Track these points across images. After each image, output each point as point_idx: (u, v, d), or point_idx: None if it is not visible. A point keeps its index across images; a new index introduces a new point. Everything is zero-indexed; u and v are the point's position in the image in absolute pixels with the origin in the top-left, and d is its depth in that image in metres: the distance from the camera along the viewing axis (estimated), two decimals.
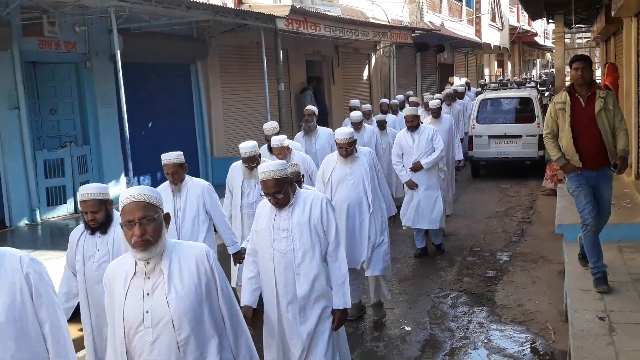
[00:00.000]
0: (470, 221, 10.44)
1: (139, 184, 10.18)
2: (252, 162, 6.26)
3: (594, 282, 5.65)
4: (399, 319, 6.54)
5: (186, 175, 5.65)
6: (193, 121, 12.58)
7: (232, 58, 13.61)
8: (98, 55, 10.05)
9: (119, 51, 8.56)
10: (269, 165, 4.07)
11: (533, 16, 19.97)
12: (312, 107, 9.68)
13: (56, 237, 8.50)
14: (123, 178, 10.27)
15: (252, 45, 13.38)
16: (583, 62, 5.58)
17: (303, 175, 5.22)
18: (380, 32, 17.32)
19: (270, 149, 7.45)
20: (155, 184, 11.07)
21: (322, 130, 9.31)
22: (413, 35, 19.88)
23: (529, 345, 5.76)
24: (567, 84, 5.86)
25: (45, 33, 9.13)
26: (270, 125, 7.99)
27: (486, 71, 37.36)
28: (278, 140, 6.99)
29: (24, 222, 8.87)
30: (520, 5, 31.97)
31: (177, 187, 5.59)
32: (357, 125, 9.57)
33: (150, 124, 11.36)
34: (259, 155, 6.38)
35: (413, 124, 8.30)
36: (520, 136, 13.86)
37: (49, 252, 7.34)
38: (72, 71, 9.97)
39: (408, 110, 8.58)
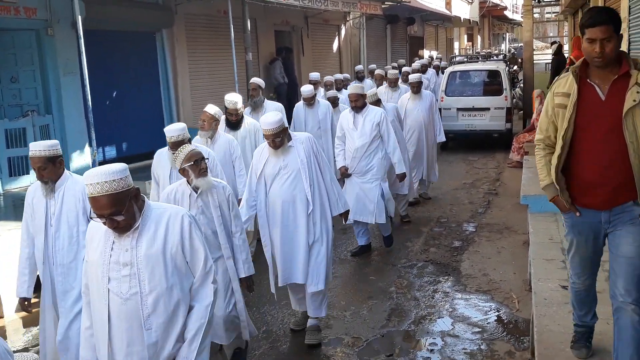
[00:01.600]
0: (437, 192, 10.50)
1: (104, 155, 10.04)
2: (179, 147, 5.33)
3: (572, 340, 3.92)
4: (365, 288, 6.57)
5: (65, 172, 4.48)
6: (159, 91, 12.38)
7: (199, 27, 13.38)
8: (60, 22, 9.79)
9: (80, 17, 8.33)
10: (95, 175, 2.79)
11: None
12: (257, 80, 8.69)
13: (19, 208, 8.30)
14: (87, 148, 10.07)
15: (219, 14, 13.15)
16: (606, 28, 3.29)
17: (206, 159, 4.61)
18: (350, 2, 17.18)
19: (229, 124, 7.20)
20: (120, 154, 10.94)
21: (270, 105, 8.39)
22: (383, 6, 19.77)
23: (494, 314, 5.83)
24: (574, 67, 3.53)
25: None
26: (232, 99, 7.23)
27: (456, 45, 37.43)
28: (210, 108, 6.38)
29: None
30: None
31: (49, 187, 4.39)
32: (309, 101, 9.13)
33: (115, 93, 11.14)
34: (189, 139, 5.43)
35: (357, 104, 7.17)
36: (488, 109, 13.92)
37: (12, 222, 7.22)
38: (32, 38, 9.71)
39: (352, 87, 7.47)
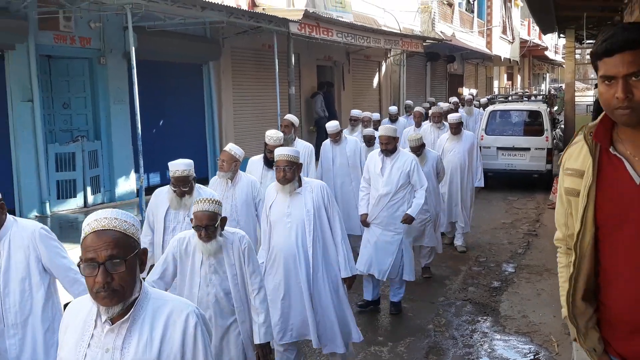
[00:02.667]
0: (476, 232, 10.44)
1: (148, 182, 10.27)
2: (183, 184, 4.90)
3: None
4: (403, 324, 6.56)
5: (10, 217, 3.79)
6: (203, 121, 12.66)
7: (244, 60, 13.69)
8: (112, 51, 10.14)
9: (133, 48, 8.63)
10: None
11: (544, 30, 20.01)
12: (291, 117, 8.38)
13: (65, 230, 8.56)
14: (133, 174, 10.34)
15: (264, 48, 13.46)
16: (634, 55, 2.05)
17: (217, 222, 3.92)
18: (391, 40, 17.38)
19: (267, 162, 6.83)
20: (163, 181, 11.17)
21: (300, 144, 7.97)
22: (424, 44, 19.94)
23: (532, 357, 5.77)
24: (589, 126, 2.36)
25: (60, 27, 9.26)
26: (275, 135, 6.84)
27: (495, 83, 37.40)
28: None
29: (33, 214, 8.94)
30: (531, 19, 32.04)
31: None
32: (334, 137, 8.53)
33: (161, 122, 11.44)
34: (194, 178, 5.00)
35: (388, 147, 6.49)
36: (529, 149, 13.86)
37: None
38: (86, 66, 10.06)
39: (383, 128, 6.68)
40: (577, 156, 2.33)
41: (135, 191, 10.22)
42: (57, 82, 9.82)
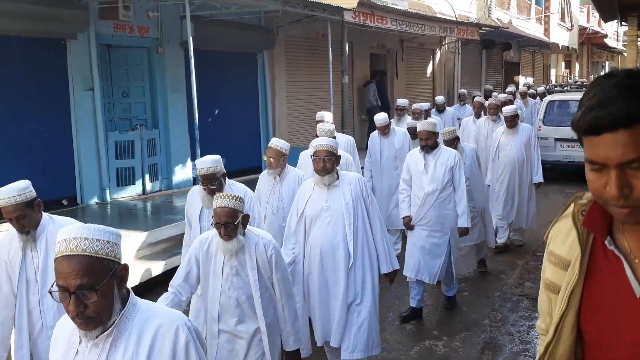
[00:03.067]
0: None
1: None
2: (210, 182, 4.69)
3: None
4: (458, 318, 6.49)
5: (44, 215, 3.82)
6: (257, 109, 12.74)
7: (298, 48, 13.70)
8: (170, 41, 10.28)
9: (191, 38, 8.71)
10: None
11: (605, 18, 19.33)
12: (324, 114, 8.12)
13: (124, 217, 8.77)
14: (189, 162, 10.50)
15: (317, 36, 13.43)
16: (629, 134, 1.40)
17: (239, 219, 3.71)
18: (447, 27, 17.11)
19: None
20: None
21: (340, 138, 7.59)
22: (480, 31, 19.55)
23: None
24: (580, 202, 1.74)
25: (120, 17, 9.41)
26: (326, 127, 6.72)
27: (553, 71, 36.45)
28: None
29: (94, 201, 9.18)
30: (590, 6, 31.09)
31: (29, 238, 3.76)
32: (382, 130, 8.28)
33: (217, 110, 11.56)
34: (223, 174, 4.77)
35: (428, 142, 6.21)
36: None
37: (118, 231, 7.54)
38: (144, 55, 10.23)
39: (422, 123, 6.42)
40: (565, 239, 1.75)
41: (192, 179, 10.38)
42: (117, 71, 10.01)
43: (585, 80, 30.25)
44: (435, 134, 6.27)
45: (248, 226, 3.86)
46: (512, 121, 8.59)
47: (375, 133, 8.50)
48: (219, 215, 3.68)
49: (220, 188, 4.68)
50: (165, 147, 10.30)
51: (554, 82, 28.58)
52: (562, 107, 14.40)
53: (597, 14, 28.67)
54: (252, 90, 12.60)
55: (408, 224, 6.35)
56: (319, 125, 6.87)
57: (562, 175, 14.40)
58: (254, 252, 3.77)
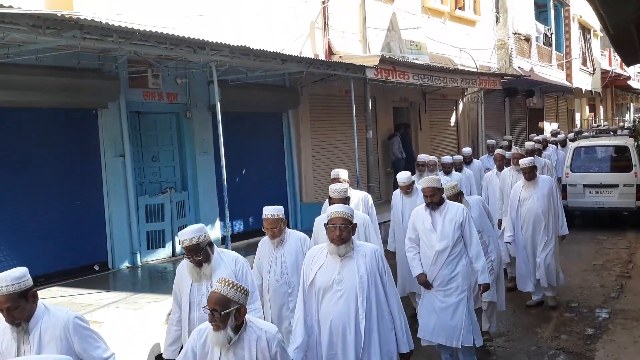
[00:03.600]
0: (566, 274, 9.98)
1: (232, 230, 10.51)
2: (195, 254, 4.41)
3: None
4: None
5: (41, 305, 3.67)
6: (284, 168, 12.90)
7: (322, 106, 13.92)
8: (197, 105, 10.55)
9: (218, 102, 8.94)
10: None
11: (627, 62, 19.35)
12: (340, 172, 7.66)
13: (155, 280, 8.87)
14: (218, 223, 10.63)
15: (340, 93, 13.65)
16: None
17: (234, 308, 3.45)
18: (468, 78, 17.28)
19: None
20: (247, 229, 11.41)
21: (355, 195, 7.36)
22: (502, 80, 19.69)
23: None
24: None
25: (149, 85, 9.71)
26: (339, 188, 6.42)
27: (577, 116, 36.33)
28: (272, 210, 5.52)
29: (125, 265, 9.30)
30: (612, 49, 31.13)
31: (20, 330, 3.58)
32: (405, 190, 7.93)
33: (244, 170, 11.74)
34: (209, 243, 4.46)
35: (434, 199, 6.01)
36: (617, 185, 13.38)
37: (149, 295, 7.64)
38: (173, 120, 10.50)
39: (426, 180, 6.16)
40: None
41: (221, 239, 10.48)
42: (146, 136, 10.26)
43: (607, 123, 30.06)
44: (440, 190, 6.09)
45: (252, 318, 3.61)
46: (530, 173, 8.30)
47: (397, 191, 8.21)
48: (209, 299, 3.45)
49: (207, 259, 4.40)
50: (195, 208, 10.45)
51: (578, 127, 28.48)
52: (588, 153, 14.39)
53: (618, 57, 28.65)
54: (279, 149, 12.79)
55: (426, 281, 6.03)
56: (331, 186, 6.55)
57: (592, 222, 14.26)
58: (254, 348, 3.47)
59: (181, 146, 10.49)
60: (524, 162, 8.45)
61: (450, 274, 5.95)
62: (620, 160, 13.87)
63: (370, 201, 7.58)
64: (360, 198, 7.42)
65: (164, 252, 9.91)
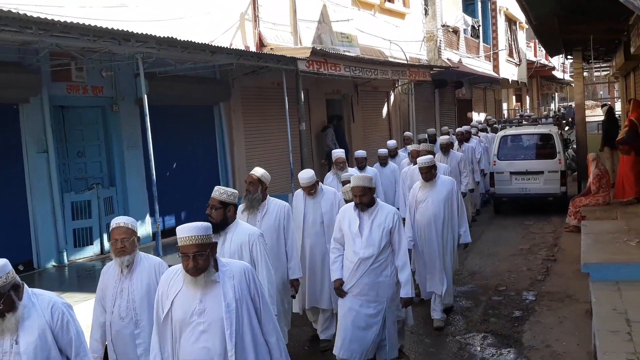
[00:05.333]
0: (494, 259, 10.38)
1: (164, 225, 10.33)
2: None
3: None
4: None
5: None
6: (216, 161, 12.76)
7: (255, 98, 13.83)
8: (124, 99, 10.30)
9: (145, 95, 8.74)
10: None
11: (551, 53, 20.11)
12: (258, 172, 6.15)
13: (83, 279, 8.61)
14: (148, 219, 10.42)
15: (273, 85, 13.60)
16: None
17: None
18: (399, 70, 17.51)
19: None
20: (179, 223, 11.19)
21: (273, 205, 6.11)
22: (431, 72, 20.06)
23: None
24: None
25: (73, 78, 9.41)
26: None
27: (504, 106, 37.44)
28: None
29: (51, 264, 9.00)
30: (536, 40, 32.18)
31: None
32: (308, 190, 6.87)
33: (175, 164, 11.54)
34: (14, 287, 3.43)
35: (363, 200, 5.43)
36: (542, 172, 13.83)
37: (77, 294, 7.42)
38: (99, 115, 10.21)
39: (355, 179, 5.54)
40: None
41: (152, 235, 10.28)
42: (71, 131, 9.94)
43: (530, 114, 31.09)
44: (372, 190, 5.54)
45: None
46: (428, 173, 7.25)
47: (299, 192, 7.04)
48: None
49: (10, 307, 3.42)
50: (123, 204, 10.21)
51: (506, 117, 29.32)
52: (515, 141, 14.82)
53: (543, 49, 29.63)
54: (210, 142, 12.64)
55: (339, 288, 5.57)
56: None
57: (519, 208, 14.71)
58: None
59: (108, 141, 10.22)
60: (422, 161, 7.43)
61: (371, 283, 5.46)
62: (545, 147, 14.34)
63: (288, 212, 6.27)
64: (278, 207, 6.17)
65: (91, 250, 9.65)
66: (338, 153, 9.19)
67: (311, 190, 6.85)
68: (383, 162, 10.98)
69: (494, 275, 9.48)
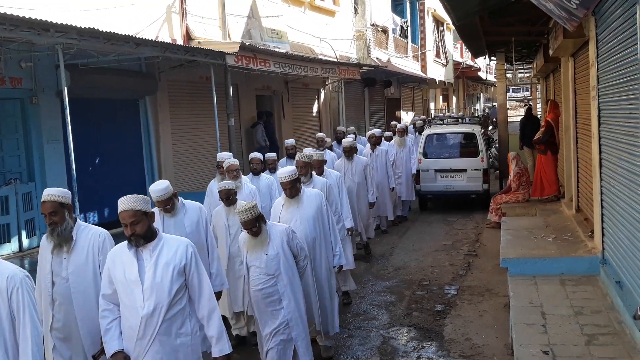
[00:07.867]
0: (418, 255, 10.61)
1: (86, 221, 10.00)
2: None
3: None
4: (349, 354, 6.58)
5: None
6: (141, 156, 12.49)
7: (182, 93, 13.61)
8: (44, 91, 9.94)
9: (65, 87, 8.47)
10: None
11: (475, 54, 20.63)
12: (225, 156, 7.72)
13: None
14: None
15: (201, 80, 13.43)
16: None
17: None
18: (329, 68, 17.61)
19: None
20: (102, 220, 10.93)
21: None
22: (361, 71, 20.27)
23: None
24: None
25: None
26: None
27: (432, 105, 38.23)
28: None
29: None
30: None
31: None
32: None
33: (98, 159, 11.23)
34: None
35: (136, 229, 4.01)
36: (466, 170, 14.22)
37: None
38: (17, 107, 9.83)
39: (123, 202, 4.05)
40: None
41: None
42: None
43: (449, 114, 31.86)
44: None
45: None
46: (292, 189, 6.18)
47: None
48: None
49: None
50: None
51: (433, 116, 29.91)
52: (440, 140, 15.17)
53: (468, 49, 30.40)
54: (135, 136, 12.36)
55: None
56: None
57: (443, 204, 15.08)
58: None
59: (27, 134, 9.85)
60: (283, 174, 6.22)
61: (166, 349, 4.06)
62: (468, 146, 14.74)
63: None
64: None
65: (9, 247, 9.26)
66: (224, 156, 8.47)
67: (166, 205, 5.74)
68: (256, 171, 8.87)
69: (418, 270, 9.70)
